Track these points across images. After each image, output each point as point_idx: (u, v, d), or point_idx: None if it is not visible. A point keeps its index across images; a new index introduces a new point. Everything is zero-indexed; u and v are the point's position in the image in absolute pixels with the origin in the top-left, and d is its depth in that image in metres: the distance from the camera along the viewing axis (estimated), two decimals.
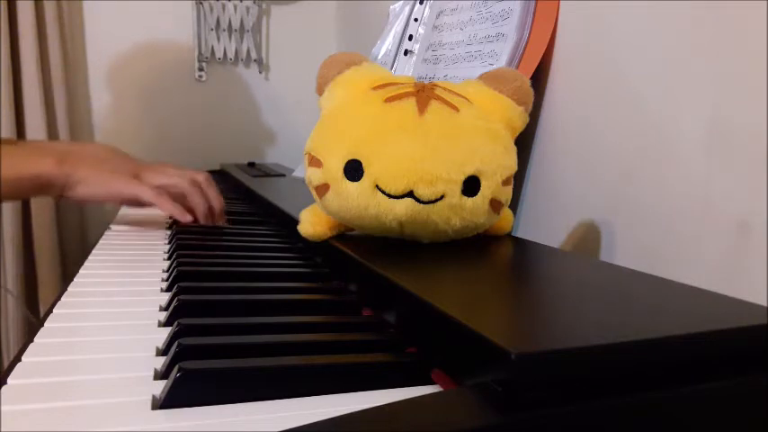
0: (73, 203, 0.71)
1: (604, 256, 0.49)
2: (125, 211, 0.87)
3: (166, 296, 0.43)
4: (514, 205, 0.60)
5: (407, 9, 0.80)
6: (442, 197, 0.40)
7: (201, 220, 0.67)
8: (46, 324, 0.37)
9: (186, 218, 0.65)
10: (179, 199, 0.67)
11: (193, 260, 0.51)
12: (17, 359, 0.31)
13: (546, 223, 0.57)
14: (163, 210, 0.65)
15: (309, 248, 0.55)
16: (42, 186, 0.63)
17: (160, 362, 0.31)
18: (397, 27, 0.81)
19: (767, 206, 0.36)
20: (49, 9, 1.17)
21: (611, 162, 0.50)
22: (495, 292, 0.34)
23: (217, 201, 0.70)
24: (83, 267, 0.52)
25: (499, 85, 0.45)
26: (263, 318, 0.37)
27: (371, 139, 0.41)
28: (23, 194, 0.67)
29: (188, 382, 0.27)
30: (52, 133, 1.20)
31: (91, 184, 0.64)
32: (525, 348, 0.23)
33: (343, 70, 0.46)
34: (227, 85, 1.43)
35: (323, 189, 0.43)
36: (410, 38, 0.77)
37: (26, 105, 1.16)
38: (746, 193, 0.38)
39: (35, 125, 1.16)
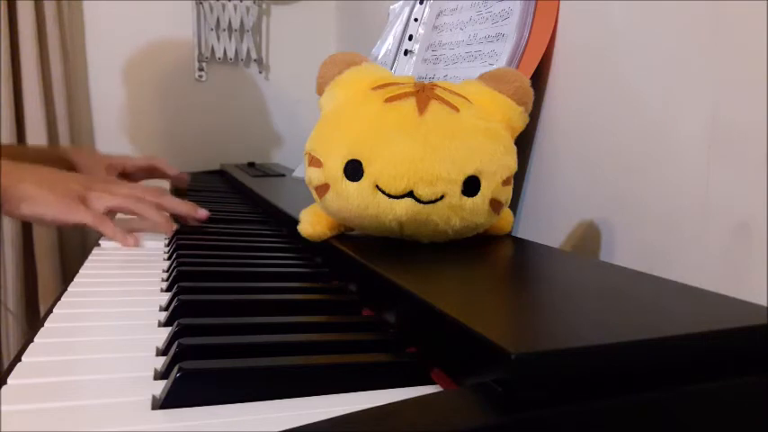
0: (15, 219, 0.67)
1: (604, 255, 0.49)
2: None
3: (166, 296, 0.43)
4: (514, 205, 0.60)
5: (407, 9, 0.80)
6: (441, 197, 0.40)
7: (163, 231, 0.64)
8: (46, 324, 0.37)
9: (127, 242, 0.61)
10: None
11: (193, 260, 0.51)
12: (17, 359, 0.31)
13: (546, 223, 0.57)
14: (105, 234, 0.62)
15: (309, 248, 0.55)
16: None
17: (160, 362, 0.31)
18: (397, 27, 0.81)
19: (767, 206, 0.36)
20: (49, 9, 1.17)
21: (611, 162, 0.50)
22: (495, 292, 0.34)
23: (176, 206, 0.67)
24: (83, 267, 0.52)
25: (499, 85, 0.45)
26: (263, 318, 0.37)
27: (371, 140, 0.41)
28: None
29: (188, 382, 0.27)
30: (52, 133, 1.20)
31: (38, 203, 0.61)
32: (525, 348, 0.23)
33: (343, 70, 0.47)
34: (227, 85, 1.43)
35: (323, 189, 0.43)
36: (410, 38, 0.77)
37: (26, 105, 1.16)
38: (746, 194, 0.38)
39: (35, 125, 1.16)
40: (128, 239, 0.61)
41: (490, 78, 0.46)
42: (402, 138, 0.41)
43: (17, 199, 0.60)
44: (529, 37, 0.56)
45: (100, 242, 0.64)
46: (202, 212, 0.68)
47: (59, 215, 0.61)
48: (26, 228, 1.18)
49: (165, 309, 0.41)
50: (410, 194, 0.40)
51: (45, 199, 0.61)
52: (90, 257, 0.56)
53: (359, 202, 0.41)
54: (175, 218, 0.67)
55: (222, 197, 0.95)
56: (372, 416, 0.22)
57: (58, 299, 0.42)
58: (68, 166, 0.81)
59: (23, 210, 0.61)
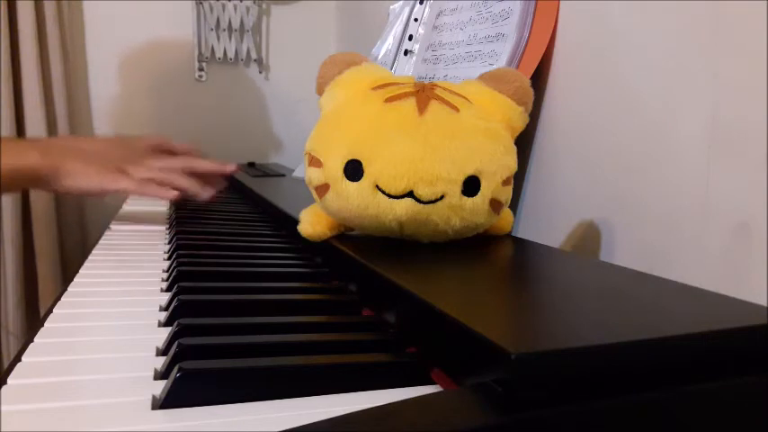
0: (61, 195, 0.73)
1: (604, 255, 0.49)
2: (126, 210, 0.87)
3: (166, 296, 0.43)
4: (514, 205, 0.60)
5: (407, 9, 0.80)
6: (441, 197, 0.40)
7: (200, 197, 0.68)
8: (46, 324, 0.37)
9: (171, 194, 0.66)
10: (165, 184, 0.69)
11: (193, 260, 0.51)
12: (17, 359, 0.31)
13: (546, 223, 0.57)
14: (149, 195, 0.67)
15: (309, 248, 0.55)
16: (28, 179, 0.66)
17: (160, 362, 0.31)
18: (397, 27, 0.81)
19: (767, 206, 0.36)
20: (49, 9, 1.17)
21: (610, 162, 0.50)
22: (495, 292, 0.34)
23: (206, 167, 0.71)
24: (83, 267, 0.51)
25: (499, 85, 0.45)
26: (263, 318, 0.37)
27: (371, 139, 0.41)
28: (10, 188, 0.69)
29: (188, 382, 0.27)
30: (52, 133, 1.20)
31: (78, 177, 0.65)
32: (525, 348, 0.23)
33: (343, 70, 0.47)
34: (227, 85, 1.43)
35: (323, 189, 0.43)
36: (410, 38, 0.77)
37: (26, 105, 1.16)
38: (746, 194, 0.38)
39: (35, 125, 1.16)
40: (170, 193, 0.66)
41: (490, 78, 0.46)
42: (402, 138, 0.41)
43: (62, 175, 0.65)
44: (529, 37, 0.56)
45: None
46: (230, 166, 0.73)
47: (103, 185, 0.66)
48: (26, 228, 1.18)
49: (165, 309, 0.41)
50: (410, 194, 0.40)
51: (87, 172, 0.66)
52: (90, 257, 0.56)
53: (359, 202, 0.41)
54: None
55: (222, 197, 0.95)
56: (372, 416, 0.22)
57: (58, 299, 0.42)
58: None
59: (68, 184, 0.66)
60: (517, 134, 0.46)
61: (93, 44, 1.31)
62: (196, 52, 1.38)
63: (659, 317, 0.29)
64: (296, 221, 0.49)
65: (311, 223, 0.47)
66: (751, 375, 0.26)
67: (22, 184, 0.68)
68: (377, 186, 0.41)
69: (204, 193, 0.69)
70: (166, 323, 0.38)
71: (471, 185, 0.41)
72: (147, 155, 0.72)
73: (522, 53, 0.56)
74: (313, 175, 0.44)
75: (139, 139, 0.78)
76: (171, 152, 0.77)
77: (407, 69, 0.76)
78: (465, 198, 0.41)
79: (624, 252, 0.48)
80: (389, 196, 0.41)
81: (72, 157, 0.67)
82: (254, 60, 1.43)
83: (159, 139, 0.79)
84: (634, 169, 0.47)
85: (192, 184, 0.68)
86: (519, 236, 0.51)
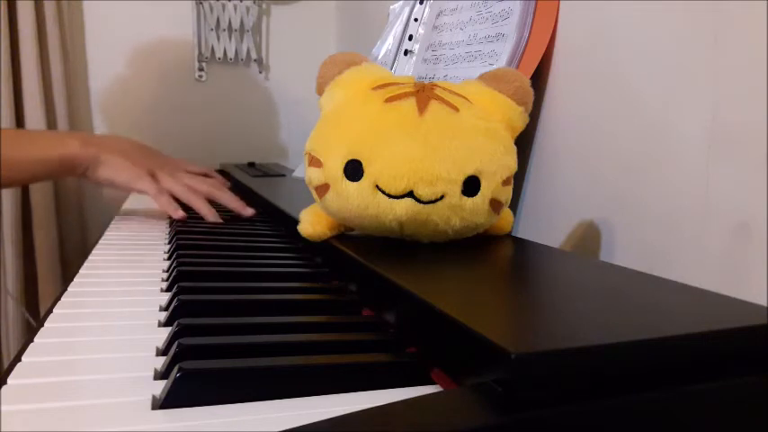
0: (92, 184, 0.78)
1: (604, 255, 0.49)
2: (126, 209, 0.88)
3: (166, 296, 0.43)
4: (514, 205, 0.60)
5: (407, 9, 0.80)
6: (441, 197, 0.40)
7: (210, 218, 0.72)
8: (46, 324, 0.37)
9: (177, 214, 0.71)
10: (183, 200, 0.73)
11: (193, 260, 0.51)
12: (17, 359, 0.31)
13: (546, 223, 0.57)
14: (159, 206, 0.72)
15: (309, 248, 0.55)
16: (68, 167, 0.72)
17: (160, 362, 0.31)
18: (397, 27, 0.81)
19: (767, 206, 0.36)
20: (49, 9, 1.17)
21: (611, 162, 0.50)
22: (495, 292, 0.34)
23: (227, 201, 0.75)
24: (83, 267, 0.52)
25: (499, 85, 0.45)
26: (263, 318, 0.37)
27: (371, 139, 0.41)
28: (49, 175, 0.76)
29: (188, 382, 0.27)
30: None
31: (113, 167, 0.72)
32: (525, 348, 0.23)
33: (343, 70, 0.47)
34: (227, 85, 1.43)
35: (323, 189, 0.43)
36: (410, 38, 0.77)
37: (26, 105, 1.16)
38: (746, 194, 0.38)
39: (35, 125, 1.16)
40: (177, 212, 0.71)
41: (490, 78, 0.46)
42: (402, 138, 0.41)
43: (99, 164, 0.72)
44: (529, 37, 0.56)
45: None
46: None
47: (128, 182, 0.73)
48: (26, 228, 1.18)
49: (165, 309, 0.41)
50: (410, 194, 0.40)
51: (120, 166, 0.73)
52: (90, 257, 0.56)
53: (359, 202, 0.41)
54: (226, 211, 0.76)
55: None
56: (372, 416, 0.22)
57: (58, 299, 0.42)
58: None
59: (100, 173, 0.72)
60: (517, 134, 0.46)
61: (93, 44, 1.31)
62: (196, 52, 1.38)
63: (659, 317, 0.29)
64: (296, 221, 0.49)
65: (311, 223, 0.47)
66: (751, 375, 0.26)
67: (61, 172, 0.74)
68: (377, 186, 0.41)
69: (214, 219, 0.72)
70: (166, 323, 0.38)
71: (471, 185, 0.41)
72: (181, 170, 0.78)
73: (522, 53, 0.56)
74: (313, 175, 0.44)
75: (183, 161, 0.85)
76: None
77: (407, 69, 0.76)
78: (465, 198, 0.41)
79: (624, 252, 0.48)
80: (389, 196, 0.41)
81: (109, 150, 0.73)
82: (254, 60, 1.43)
83: (201, 169, 0.84)
84: (634, 169, 0.47)
85: (208, 211, 0.72)
86: (519, 236, 0.51)
